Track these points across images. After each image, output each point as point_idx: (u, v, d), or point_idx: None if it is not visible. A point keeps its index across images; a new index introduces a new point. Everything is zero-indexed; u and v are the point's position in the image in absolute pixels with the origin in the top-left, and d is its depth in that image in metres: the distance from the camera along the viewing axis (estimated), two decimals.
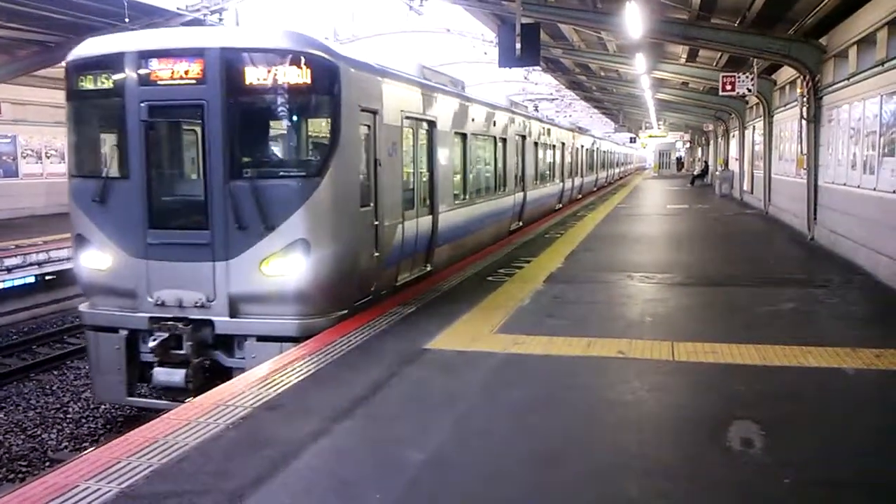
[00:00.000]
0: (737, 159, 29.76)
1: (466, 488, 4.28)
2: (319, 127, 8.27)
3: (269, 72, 7.56)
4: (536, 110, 25.20)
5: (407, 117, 9.80)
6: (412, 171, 10.27)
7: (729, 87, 19.25)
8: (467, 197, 13.11)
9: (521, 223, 18.26)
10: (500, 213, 15.89)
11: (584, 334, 7.62)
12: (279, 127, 8.35)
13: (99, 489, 4.21)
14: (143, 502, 4.07)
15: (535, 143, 20.24)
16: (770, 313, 8.70)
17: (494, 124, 15.32)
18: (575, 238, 16.11)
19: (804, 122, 15.34)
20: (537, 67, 25.10)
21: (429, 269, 10.92)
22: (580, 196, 30.47)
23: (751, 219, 21.06)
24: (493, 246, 14.64)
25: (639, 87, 28.62)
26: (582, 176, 31.00)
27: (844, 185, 13.03)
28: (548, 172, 22.80)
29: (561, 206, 24.99)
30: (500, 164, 15.95)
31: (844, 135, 13.19)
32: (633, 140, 63.14)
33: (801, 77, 15.24)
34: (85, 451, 6.87)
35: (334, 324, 7.89)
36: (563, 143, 25.49)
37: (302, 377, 6.27)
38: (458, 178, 12.81)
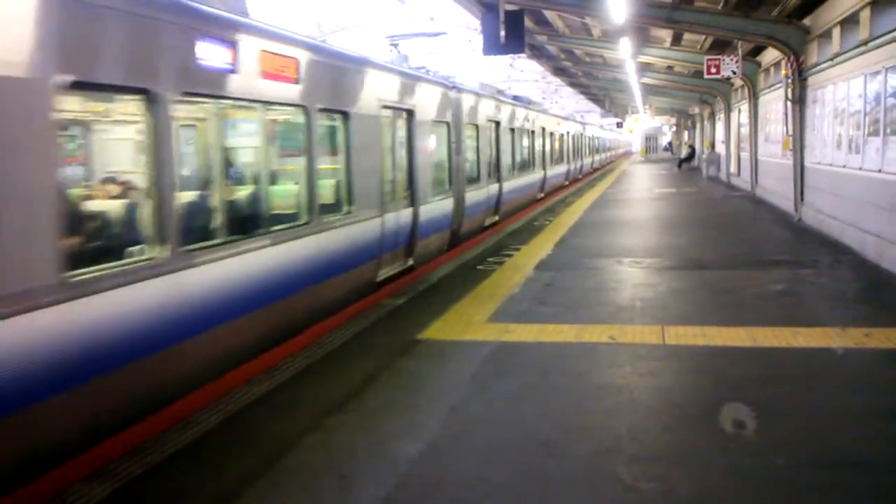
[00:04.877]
0: (723, 142, 29.84)
1: (463, 476, 4.29)
2: None
3: None
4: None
5: None
6: None
7: (714, 70, 19.28)
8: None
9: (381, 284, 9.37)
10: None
11: (575, 321, 7.64)
12: None
13: None
14: None
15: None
16: (759, 295, 8.75)
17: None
18: (564, 224, 16.13)
19: (789, 103, 15.40)
20: (522, 55, 24.87)
21: None
22: (543, 195, 22.91)
23: (738, 201, 21.14)
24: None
25: (624, 71, 28.66)
26: (545, 169, 22.19)
27: (830, 165, 13.09)
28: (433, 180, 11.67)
29: (488, 225, 15.72)
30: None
31: (829, 115, 13.24)
32: (619, 125, 63.20)
33: (786, 58, 15.28)
34: None
35: None
36: (484, 125, 15.33)
37: None
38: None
